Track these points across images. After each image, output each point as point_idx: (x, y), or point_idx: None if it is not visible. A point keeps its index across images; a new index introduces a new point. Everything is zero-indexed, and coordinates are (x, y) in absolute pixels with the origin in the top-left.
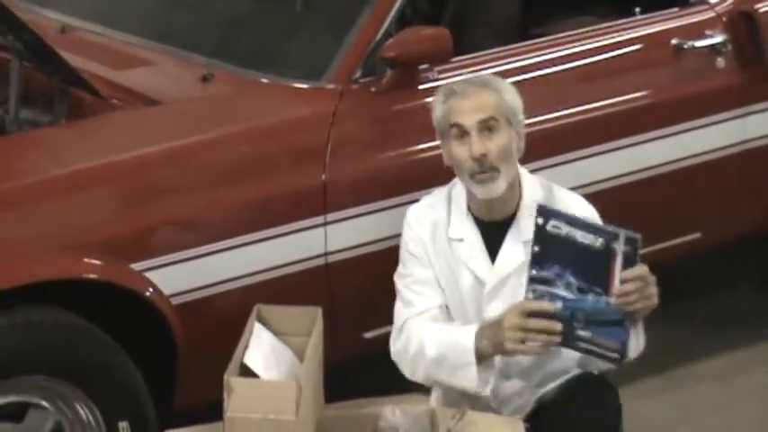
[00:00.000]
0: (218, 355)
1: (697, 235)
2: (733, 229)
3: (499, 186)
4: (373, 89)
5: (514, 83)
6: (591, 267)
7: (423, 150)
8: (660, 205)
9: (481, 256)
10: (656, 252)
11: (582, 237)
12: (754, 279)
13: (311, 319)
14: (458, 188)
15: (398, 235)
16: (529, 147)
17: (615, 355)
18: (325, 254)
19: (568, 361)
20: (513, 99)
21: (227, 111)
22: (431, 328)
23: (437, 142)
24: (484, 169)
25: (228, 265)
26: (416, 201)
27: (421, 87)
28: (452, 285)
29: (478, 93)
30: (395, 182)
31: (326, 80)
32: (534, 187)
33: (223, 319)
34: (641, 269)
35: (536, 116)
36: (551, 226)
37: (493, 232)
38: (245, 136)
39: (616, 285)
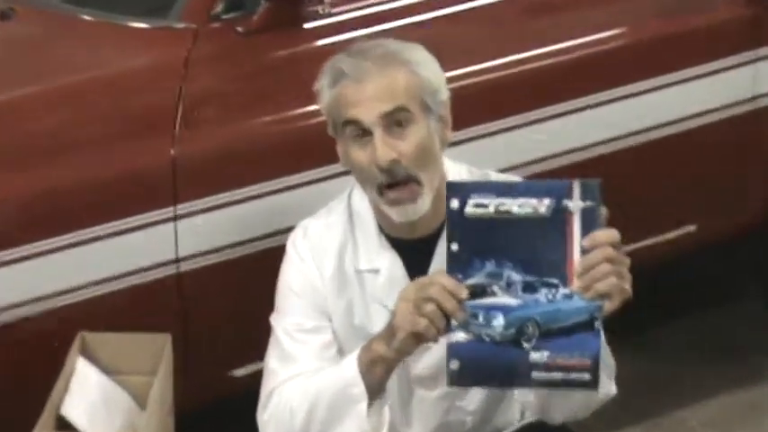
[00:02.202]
0: (24, 403)
1: (690, 228)
2: (738, 220)
3: (422, 205)
4: (240, 29)
5: (435, 21)
6: (538, 248)
7: (310, 115)
8: (640, 188)
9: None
10: (636, 253)
11: (519, 206)
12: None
13: (157, 350)
14: (360, 197)
15: (279, 234)
16: (454, 110)
17: (587, 377)
18: (176, 260)
19: (515, 407)
20: (432, 72)
21: (29, 60)
22: (314, 382)
23: None
24: (397, 180)
25: (34, 278)
26: (301, 188)
27: (307, 26)
28: (361, 333)
29: (380, 72)
30: (272, 159)
31: (174, 17)
32: None
33: (30, 352)
34: (608, 231)
35: (467, 65)
36: (472, 205)
37: (417, 254)
38: (56, 96)
39: (576, 260)
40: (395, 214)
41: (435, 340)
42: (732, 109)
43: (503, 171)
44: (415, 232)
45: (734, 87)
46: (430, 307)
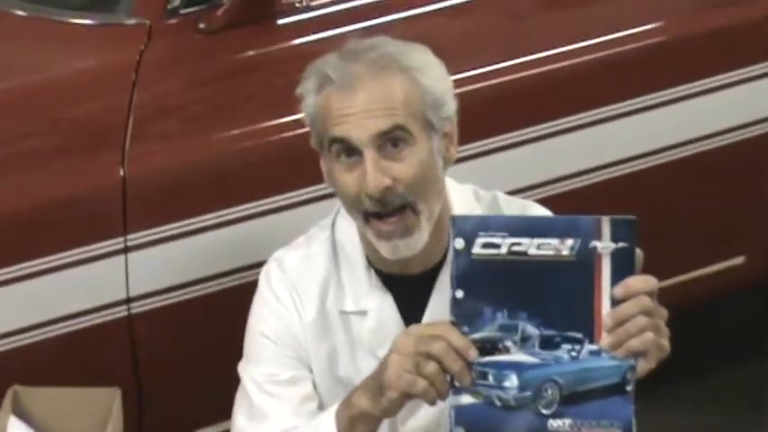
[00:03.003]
0: None
1: (739, 260)
2: None
3: (418, 240)
4: (203, 25)
5: (434, 15)
6: (560, 297)
7: (286, 127)
8: (671, 214)
9: (395, 336)
10: (669, 291)
11: (538, 247)
12: None
13: (103, 408)
14: (347, 224)
15: (249, 269)
16: (460, 121)
17: None
18: (127, 301)
19: None
20: (437, 81)
21: None
22: None
23: None
24: (389, 210)
25: None
26: (276, 214)
27: (281, 22)
28: (346, 385)
29: (374, 80)
30: (240, 180)
31: (124, 11)
32: (472, 207)
33: None
34: (645, 278)
35: (473, 67)
36: (481, 245)
37: (412, 294)
38: None
39: (605, 311)
40: (384, 250)
41: (433, 404)
42: None
43: (513, 193)
44: (410, 267)
45: None
46: (432, 367)
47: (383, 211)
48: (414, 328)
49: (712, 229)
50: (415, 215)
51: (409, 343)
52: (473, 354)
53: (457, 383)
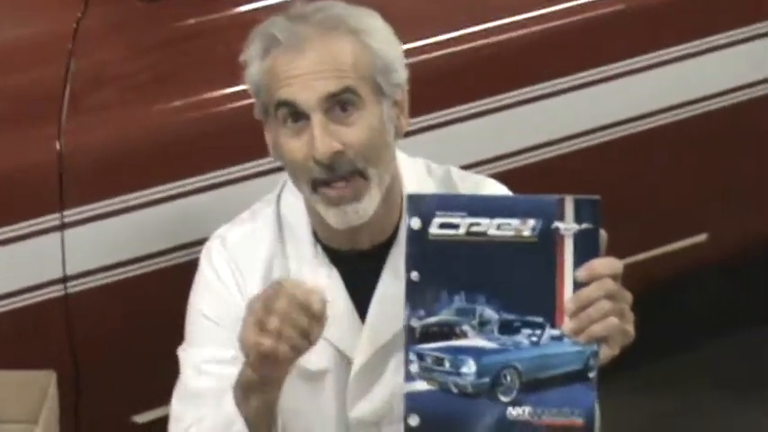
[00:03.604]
0: None
1: (701, 237)
2: (758, 228)
3: (367, 205)
4: None
5: None
6: (521, 280)
7: (230, 98)
8: (640, 188)
9: (344, 316)
10: (630, 270)
11: (498, 228)
12: None
13: (38, 392)
14: (293, 198)
15: (190, 247)
16: (411, 92)
17: None
18: (63, 279)
19: None
20: (387, 46)
21: None
22: (206, 427)
23: None
24: (337, 176)
25: None
26: (218, 189)
27: None
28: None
29: (323, 42)
30: (182, 154)
31: None
32: (423, 182)
33: None
34: (609, 260)
35: (428, 35)
36: (438, 225)
37: (361, 272)
38: None
39: (567, 295)
40: (333, 217)
41: (288, 362)
42: (753, 91)
43: (468, 167)
44: (358, 242)
45: (755, 63)
46: (274, 323)
47: (332, 178)
48: (268, 286)
49: (673, 205)
50: (365, 181)
51: (257, 303)
52: (316, 304)
53: (412, 368)
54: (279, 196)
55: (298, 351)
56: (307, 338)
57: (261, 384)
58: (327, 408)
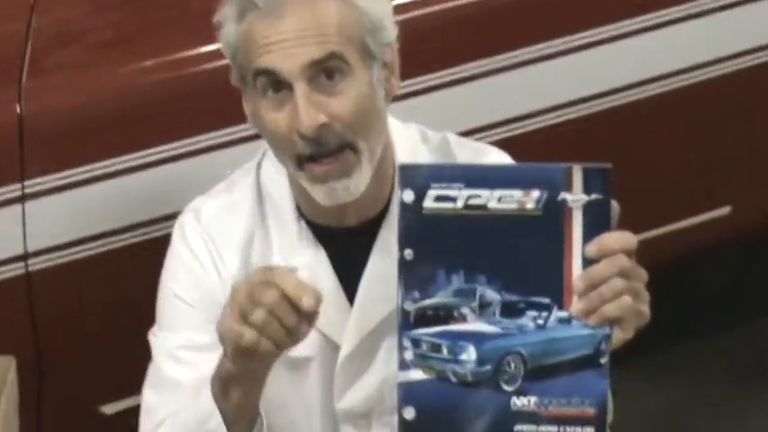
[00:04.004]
0: None
1: (723, 210)
2: None
3: (358, 182)
4: None
5: None
6: (525, 257)
7: (204, 58)
8: (655, 156)
9: (330, 298)
10: (646, 246)
11: (499, 200)
12: None
13: None
14: (275, 169)
15: (162, 222)
16: (403, 51)
17: (589, 431)
18: (24, 256)
19: None
20: (374, 2)
21: None
22: (181, 421)
23: None
24: (324, 151)
25: None
26: (192, 158)
27: None
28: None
29: (305, 3)
30: (152, 119)
31: None
32: (417, 150)
33: None
34: (621, 234)
35: None
36: (434, 198)
37: (347, 249)
38: None
39: (576, 273)
40: (320, 195)
41: (271, 356)
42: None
43: (467, 134)
44: (346, 218)
45: None
46: (259, 316)
47: (318, 153)
48: (254, 273)
49: (693, 175)
50: (355, 155)
51: (242, 291)
52: (307, 303)
53: (407, 355)
54: (259, 165)
55: (281, 348)
56: (292, 336)
57: (241, 378)
58: (312, 398)
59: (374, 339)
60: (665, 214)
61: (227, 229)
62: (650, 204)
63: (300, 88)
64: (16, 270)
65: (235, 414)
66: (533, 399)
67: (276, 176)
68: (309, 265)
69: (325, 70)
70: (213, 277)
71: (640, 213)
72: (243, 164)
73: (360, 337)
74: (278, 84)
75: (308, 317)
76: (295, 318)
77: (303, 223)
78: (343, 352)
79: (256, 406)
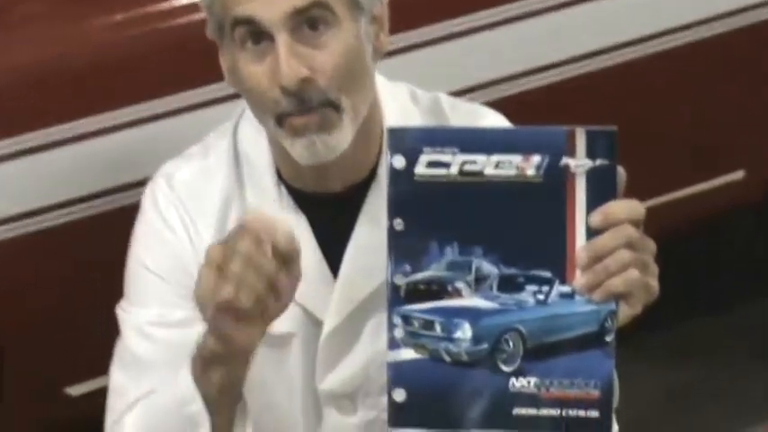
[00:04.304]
0: None
1: (737, 175)
2: None
3: (339, 138)
4: None
5: None
6: (524, 228)
7: (175, 12)
8: (664, 117)
9: (313, 270)
10: (653, 214)
11: (496, 166)
12: None
13: None
14: (253, 131)
15: (129, 189)
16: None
17: (594, 415)
18: None
19: None
20: None
21: None
22: (154, 404)
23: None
24: (306, 108)
25: None
26: (162, 120)
27: None
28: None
29: None
30: (116, 78)
31: None
32: (408, 112)
33: None
34: (628, 203)
35: None
36: (426, 164)
37: (331, 217)
38: None
39: (580, 244)
40: (299, 150)
41: (259, 321)
42: None
43: (461, 94)
44: (329, 183)
45: None
46: (234, 265)
47: (300, 110)
48: (233, 229)
49: (705, 138)
50: (337, 113)
51: (217, 248)
52: (284, 242)
53: (397, 333)
54: (236, 126)
55: (264, 307)
56: (274, 290)
57: (225, 356)
58: (293, 378)
59: (360, 315)
60: (674, 180)
61: (202, 195)
62: (658, 169)
63: (282, 39)
64: None
65: (216, 397)
66: (533, 380)
67: (255, 138)
68: None
69: (309, 20)
70: (186, 247)
71: (648, 179)
72: (218, 125)
73: (345, 312)
74: (258, 35)
75: (289, 264)
76: (272, 263)
77: (283, 188)
78: (327, 328)
79: (239, 389)
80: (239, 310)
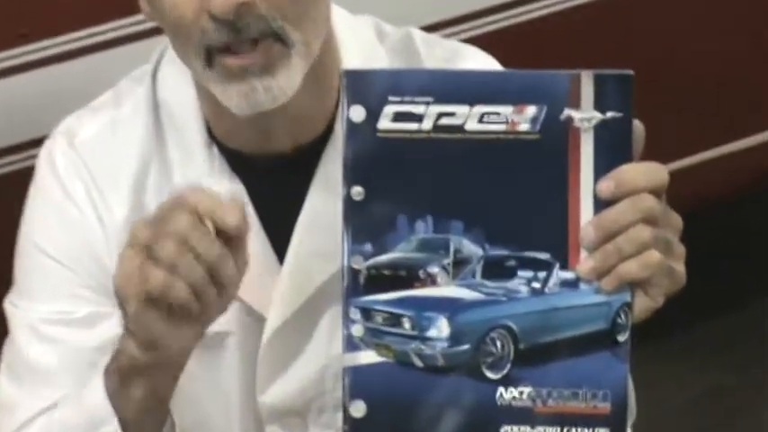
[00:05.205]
0: None
1: None
2: None
3: (285, 85)
4: None
5: None
6: (516, 197)
7: None
8: (689, 61)
9: (251, 254)
10: (678, 178)
11: (480, 119)
12: None
13: None
14: (176, 75)
15: (22, 151)
16: None
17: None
18: None
19: None
20: None
21: None
22: (57, 422)
23: None
24: (243, 39)
25: None
26: (64, 63)
27: None
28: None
29: None
30: (10, 11)
31: None
32: (372, 52)
33: None
34: (647, 166)
35: None
36: (392, 117)
37: (276, 185)
38: None
39: (585, 218)
40: (235, 98)
41: (196, 319)
42: None
43: (437, 29)
44: (274, 142)
45: None
46: (170, 247)
47: (235, 42)
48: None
49: (738, 87)
50: (284, 47)
51: (143, 227)
52: (232, 219)
53: (354, 330)
54: (155, 71)
55: (203, 302)
56: (216, 281)
57: (150, 365)
58: (229, 389)
59: (312, 310)
60: (701, 137)
61: (113, 157)
62: (683, 125)
63: None
64: None
65: (138, 418)
66: (527, 390)
67: (179, 85)
68: None
69: None
70: (93, 225)
71: (671, 137)
72: (132, 69)
73: (293, 306)
74: None
75: (236, 248)
76: (216, 246)
77: (215, 149)
78: (270, 326)
79: (166, 406)
80: (171, 304)
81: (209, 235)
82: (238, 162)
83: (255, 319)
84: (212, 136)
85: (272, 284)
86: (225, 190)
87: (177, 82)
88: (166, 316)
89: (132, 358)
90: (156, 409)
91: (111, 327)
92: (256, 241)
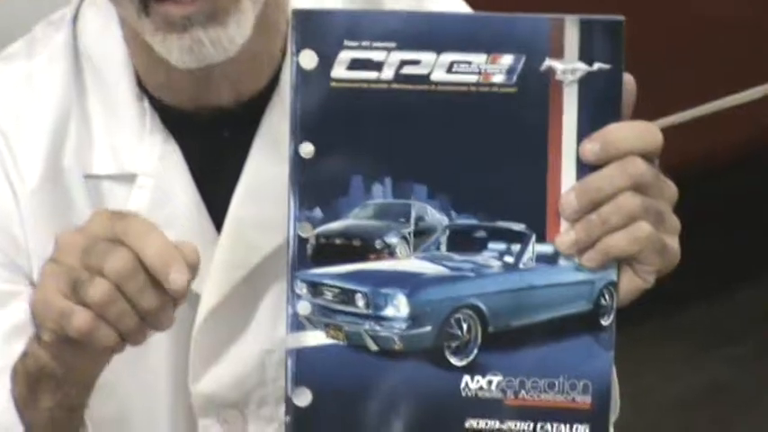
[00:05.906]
0: None
1: None
2: None
3: (235, 33)
4: None
5: None
6: (488, 158)
7: None
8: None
9: (185, 221)
10: (672, 137)
11: (448, 69)
12: None
13: None
14: (96, 20)
15: None
16: None
17: (583, 430)
18: None
19: None
20: None
21: None
22: None
23: None
24: None
25: None
26: None
27: None
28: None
29: None
30: None
31: None
32: None
33: None
34: (637, 125)
35: None
36: (347, 64)
37: (215, 145)
38: None
39: (567, 184)
40: (177, 52)
41: (119, 350)
42: None
43: None
44: (212, 95)
45: None
46: (99, 289)
47: None
48: (97, 216)
49: (736, 39)
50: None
51: (76, 245)
52: (176, 279)
53: (299, 311)
54: (76, 14)
55: (130, 341)
56: (149, 325)
57: (61, 376)
58: (156, 378)
59: (253, 286)
60: (699, 91)
61: (26, 114)
62: (678, 79)
63: None
64: None
65: (48, 426)
66: (496, 379)
67: (104, 30)
68: (157, 170)
69: None
70: (5, 192)
71: (665, 91)
72: (50, 13)
73: (231, 282)
74: None
75: (176, 298)
76: (155, 299)
77: (146, 103)
78: (205, 305)
79: (81, 413)
80: (94, 344)
81: (150, 285)
82: (173, 118)
83: (189, 296)
84: (143, 89)
85: (209, 258)
86: (157, 151)
87: (102, 27)
88: (84, 350)
89: (42, 366)
90: (67, 418)
91: (21, 308)
92: (191, 207)
